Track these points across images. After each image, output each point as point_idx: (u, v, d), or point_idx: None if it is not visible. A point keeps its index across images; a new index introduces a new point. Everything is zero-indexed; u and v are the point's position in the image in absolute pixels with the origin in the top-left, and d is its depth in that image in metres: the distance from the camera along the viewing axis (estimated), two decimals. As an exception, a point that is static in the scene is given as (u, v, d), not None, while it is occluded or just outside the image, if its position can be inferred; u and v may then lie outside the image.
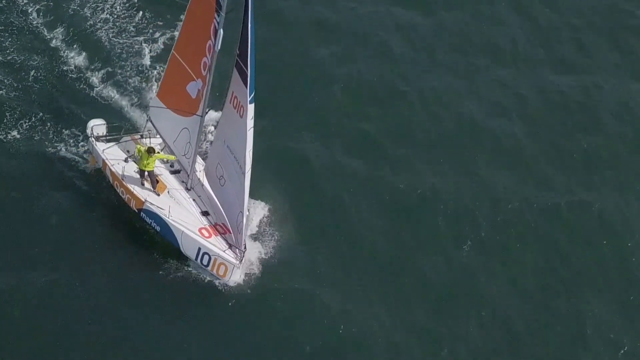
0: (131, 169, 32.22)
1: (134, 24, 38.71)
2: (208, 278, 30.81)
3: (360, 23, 40.98)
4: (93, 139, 32.94)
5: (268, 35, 37.60)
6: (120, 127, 33.52)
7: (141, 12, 39.11)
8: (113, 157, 32.53)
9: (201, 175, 32.44)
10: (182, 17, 31.23)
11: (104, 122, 33.33)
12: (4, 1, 38.79)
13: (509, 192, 34.89)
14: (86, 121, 33.63)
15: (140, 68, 36.97)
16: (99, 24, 38.55)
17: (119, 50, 37.54)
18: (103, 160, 32.45)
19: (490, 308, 31.30)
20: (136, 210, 31.72)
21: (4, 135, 33.91)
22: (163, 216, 31.00)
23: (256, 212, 32.24)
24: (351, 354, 29.81)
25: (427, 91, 38.31)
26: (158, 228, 31.28)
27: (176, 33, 35.66)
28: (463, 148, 36.45)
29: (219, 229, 31.31)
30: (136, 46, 37.80)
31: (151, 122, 33.18)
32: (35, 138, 33.96)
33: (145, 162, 31.44)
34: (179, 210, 31.44)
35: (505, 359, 30.22)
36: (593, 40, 41.87)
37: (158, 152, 31.89)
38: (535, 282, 32.31)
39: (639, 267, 33.21)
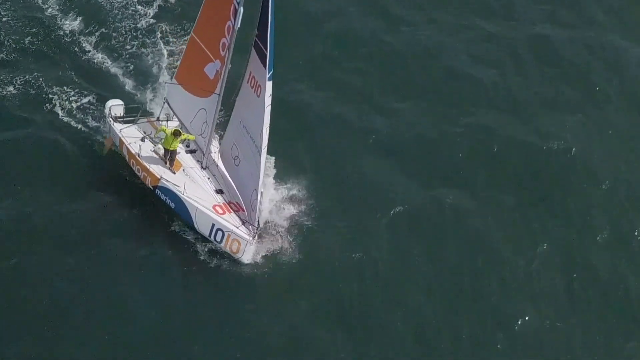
0: (147, 147, 32.72)
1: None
2: (217, 259, 31.13)
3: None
4: (111, 119, 33.51)
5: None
6: (138, 109, 33.88)
7: None
8: (130, 136, 33.06)
9: (216, 156, 32.98)
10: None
11: (121, 102, 33.83)
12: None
13: (494, 135, 36.52)
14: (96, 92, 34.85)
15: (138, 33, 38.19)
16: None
17: (116, 12, 38.75)
18: (120, 139, 32.98)
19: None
20: (151, 187, 32.19)
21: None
22: (178, 193, 31.47)
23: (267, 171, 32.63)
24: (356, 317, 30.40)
25: (418, 46, 39.92)
26: (172, 205, 31.72)
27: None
28: (452, 96, 38.19)
29: (233, 206, 31.77)
30: (131, 8, 39.10)
31: (168, 103, 33.74)
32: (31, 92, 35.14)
33: (170, 142, 32.06)
34: (193, 188, 31.92)
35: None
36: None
37: (183, 134, 32.45)
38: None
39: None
